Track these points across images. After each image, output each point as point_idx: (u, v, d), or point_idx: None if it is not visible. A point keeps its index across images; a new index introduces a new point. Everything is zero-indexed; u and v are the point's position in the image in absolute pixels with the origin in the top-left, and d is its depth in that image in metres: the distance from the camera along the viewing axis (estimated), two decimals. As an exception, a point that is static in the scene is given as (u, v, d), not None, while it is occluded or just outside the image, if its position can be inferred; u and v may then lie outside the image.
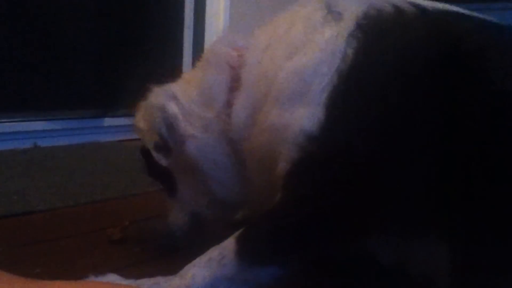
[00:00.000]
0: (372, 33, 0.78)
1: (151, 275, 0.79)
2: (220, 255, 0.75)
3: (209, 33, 2.60)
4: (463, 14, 0.81)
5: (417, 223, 0.75)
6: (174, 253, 0.96)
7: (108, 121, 2.23)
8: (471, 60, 0.73)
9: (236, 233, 0.77)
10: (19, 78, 2.00)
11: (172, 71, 2.46)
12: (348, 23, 0.80)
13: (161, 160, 0.95)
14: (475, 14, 0.81)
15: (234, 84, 0.90)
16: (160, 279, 0.77)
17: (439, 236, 0.73)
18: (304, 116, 0.76)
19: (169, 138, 0.94)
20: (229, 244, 0.75)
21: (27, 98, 2.05)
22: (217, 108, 0.91)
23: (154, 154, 0.95)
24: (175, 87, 0.98)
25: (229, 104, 0.90)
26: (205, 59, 0.97)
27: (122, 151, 2.01)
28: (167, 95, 0.96)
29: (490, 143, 0.70)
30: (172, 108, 0.94)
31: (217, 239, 0.78)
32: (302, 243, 0.75)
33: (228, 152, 0.92)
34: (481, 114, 0.70)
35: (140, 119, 0.99)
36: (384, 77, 0.75)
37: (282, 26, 0.88)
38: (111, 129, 2.22)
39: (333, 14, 0.83)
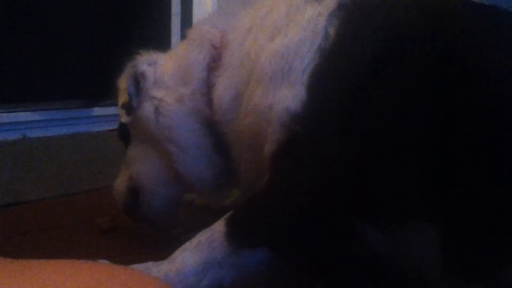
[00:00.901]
0: (354, 12, 0.78)
1: (141, 263, 0.80)
2: (210, 239, 0.75)
3: (197, 9, 2.58)
4: None
5: (407, 207, 0.75)
6: (163, 241, 0.97)
7: (97, 111, 2.22)
8: (458, 39, 0.73)
9: (225, 216, 0.77)
10: (7, 69, 1.98)
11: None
12: (329, 3, 0.80)
13: (122, 116, 0.97)
14: None
15: (215, 63, 0.90)
16: (150, 265, 0.77)
17: (431, 224, 0.73)
18: (288, 96, 0.76)
19: (134, 96, 0.96)
20: (218, 227, 0.76)
21: (15, 89, 2.03)
22: (193, 85, 0.91)
23: (119, 110, 0.98)
24: (159, 55, 1.00)
25: (208, 83, 0.90)
26: (189, 37, 0.97)
27: (112, 140, 2.00)
28: (147, 60, 0.98)
29: (479, 126, 0.70)
30: (145, 68, 0.96)
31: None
32: (291, 224, 0.75)
33: (201, 131, 0.92)
34: (467, 93, 0.70)
35: (122, 80, 1.01)
36: (367, 55, 0.75)
37: (264, 8, 0.88)
38: (101, 119, 2.21)
39: None
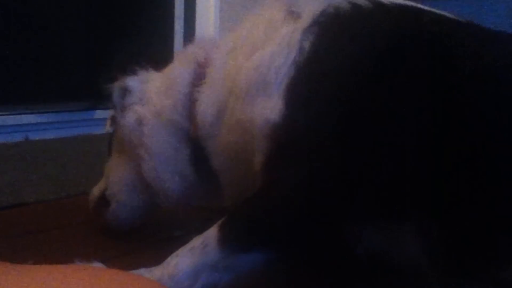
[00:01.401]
0: (329, 27, 0.81)
1: (142, 265, 0.80)
2: (203, 243, 0.75)
3: (200, 25, 2.59)
4: (420, 8, 0.83)
5: (402, 207, 0.75)
6: (163, 244, 0.97)
7: (99, 114, 2.22)
8: (429, 51, 0.76)
9: (219, 221, 0.78)
10: (9, 71, 1.99)
11: (163, 63, 2.45)
12: (305, 21, 0.83)
13: (106, 124, 1.04)
14: (431, 9, 0.84)
15: (198, 80, 0.93)
16: (142, 271, 0.78)
17: (430, 223, 0.74)
18: (266, 108, 0.79)
19: (118, 107, 1.01)
20: (211, 232, 0.76)
21: (18, 92, 2.04)
22: (175, 98, 0.94)
23: (108, 121, 1.05)
24: (151, 76, 1.03)
25: (190, 98, 0.93)
26: (176, 58, 1.02)
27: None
28: (140, 78, 1.02)
29: (465, 126, 0.71)
30: (132, 83, 1.00)
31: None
32: (283, 228, 0.76)
33: (174, 143, 0.95)
34: (439, 100, 0.72)
35: (113, 93, 1.04)
36: (340, 66, 0.78)
37: (245, 29, 0.92)
38: (102, 121, 2.20)
39: (292, 14, 0.86)
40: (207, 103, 0.90)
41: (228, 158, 0.88)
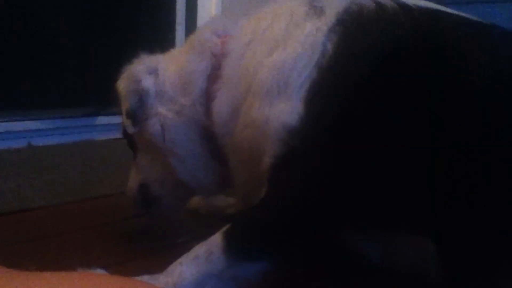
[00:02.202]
0: (353, 28, 0.79)
1: (145, 271, 0.80)
2: (207, 252, 0.75)
3: (202, 19, 2.59)
4: (444, 11, 0.82)
5: (402, 217, 0.75)
6: (166, 251, 0.97)
7: (101, 120, 2.23)
8: (451, 56, 0.74)
9: (223, 229, 0.77)
10: (12, 78, 1.99)
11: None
12: (329, 18, 0.80)
13: (128, 127, 0.98)
14: (456, 12, 0.82)
15: (214, 73, 0.91)
16: (145, 278, 0.77)
17: (426, 232, 0.74)
18: (285, 111, 0.77)
19: (138, 110, 0.97)
20: (216, 240, 0.76)
21: (21, 98, 2.04)
22: (193, 96, 0.92)
23: (124, 119, 0.99)
24: (158, 62, 1.00)
25: (207, 94, 0.91)
26: (190, 42, 0.98)
27: (116, 149, 2.01)
28: (148, 68, 0.98)
29: (473, 137, 0.70)
30: (147, 83, 0.96)
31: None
32: (289, 236, 0.75)
33: (200, 142, 0.94)
34: (460, 108, 0.71)
35: (121, 83, 1.01)
36: (364, 72, 0.76)
37: (265, 21, 0.88)
38: (105, 127, 2.22)
39: (315, 9, 0.83)
40: (222, 101, 0.88)
41: (241, 157, 0.86)
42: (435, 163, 0.71)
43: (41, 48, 2.08)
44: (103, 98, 2.26)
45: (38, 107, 2.08)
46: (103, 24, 2.27)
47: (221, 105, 0.88)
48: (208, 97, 0.91)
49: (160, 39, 2.52)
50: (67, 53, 2.16)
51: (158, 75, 0.97)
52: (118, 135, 2.17)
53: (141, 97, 0.96)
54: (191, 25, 2.61)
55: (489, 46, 0.76)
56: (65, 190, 1.38)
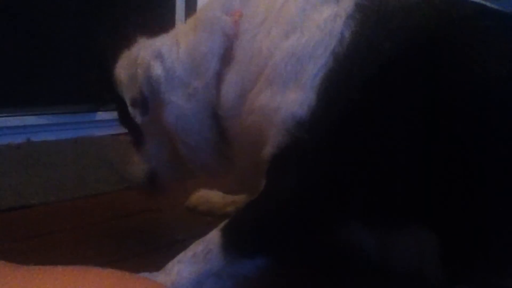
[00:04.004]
0: (372, 16, 0.76)
1: (144, 269, 0.80)
2: (205, 250, 0.74)
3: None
4: (465, 0, 0.79)
5: (401, 212, 0.75)
6: (164, 248, 0.97)
7: (101, 115, 2.23)
8: (470, 46, 0.71)
9: (221, 226, 0.76)
10: (10, 73, 1.99)
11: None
12: (347, 3, 0.77)
13: (136, 117, 0.93)
14: (478, 1, 0.79)
15: (227, 54, 0.86)
16: (144, 276, 0.75)
17: (425, 226, 0.74)
18: (296, 101, 0.74)
19: (150, 98, 0.92)
20: (213, 238, 0.75)
21: (20, 94, 2.04)
22: (206, 78, 0.88)
23: (130, 109, 0.94)
24: (162, 45, 0.94)
25: (219, 76, 0.87)
26: (199, 20, 0.92)
27: (115, 145, 2.01)
28: (154, 52, 0.93)
29: (480, 130, 0.69)
30: (157, 69, 0.91)
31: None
32: (288, 232, 0.74)
33: (212, 126, 0.90)
34: (477, 100, 0.69)
35: (121, 70, 0.97)
36: (382, 63, 0.73)
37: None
38: (104, 123, 2.21)
39: None
40: (232, 84, 0.84)
41: (244, 142, 0.84)
42: (443, 158, 0.70)
43: (41, 44, 2.07)
44: (102, 94, 2.28)
45: (38, 103, 2.08)
46: (102, 18, 2.26)
47: (229, 87, 0.85)
48: (219, 79, 0.87)
49: (159, 30, 2.51)
50: (67, 49, 2.15)
51: (164, 59, 0.91)
52: (118, 131, 2.18)
53: (152, 85, 0.91)
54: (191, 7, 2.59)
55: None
56: (64, 187, 1.38)
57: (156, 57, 0.92)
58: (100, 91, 1.93)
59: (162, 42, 0.95)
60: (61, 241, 1.02)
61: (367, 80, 0.73)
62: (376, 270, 0.83)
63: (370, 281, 0.85)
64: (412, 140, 0.72)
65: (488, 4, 0.79)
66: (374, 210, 0.75)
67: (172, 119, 0.91)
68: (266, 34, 0.82)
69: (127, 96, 0.94)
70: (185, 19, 1.02)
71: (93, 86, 1.91)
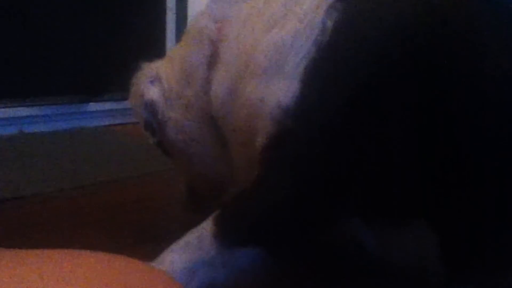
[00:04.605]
0: (354, 5, 0.75)
1: (139, 259, 0.79)
2: (198, 238, 0.74)
3: (192, 12, 2.57)
4: None
5: (400, 212, 0.75)
6: (158, 239, 0.97)
7: (93, 106, 2.22)
8: (458, 38, 0.69)
9: (214, 214, 0.76)
10: (2, 65, 1.98)
11: (156, 53, 2.44)
12: None
13: (149, 138, 0.98)
14: None
15: (213, 59, 0.88)
16: None
17: (425, 226, 0.73)
18: (280, 90, 0.74)
19: (152, 121, 0.96)
20: (206, 226, 0.75)
21: (11, 84, 2.03)
22: (196, 86, 0.90)
23: (143, 131, 0.98)
24: (159, 67, 0.98)
25: (208, 80, 0.89)
26: (188, 34, 0.96)
27: (109, 136, 2.01)
28: (149, 77, 0.97)
29: (479, 130, 0.68)
30: (151, 93, 0.95)
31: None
32: (280, 221, 0.74)
33: (209, 130, 0.92)
34: (464, 95, 0.68)
35: (131, 97, 1.01)
36: (364, 52, 0.72)
37: None
38: (97, 114, 2.21)
39: None
40: (219, 81, 0.86)
41: (239, 139, 0.84)
42: (436, 155, 0.69)
43: (32, 35, 2.06)
44: (95, 85, 2.27)
45: (30, 94, 2.07)
46: (93, 9, 2.25)
47: (218, 86, 0.86)
48: (208, 83, 0.89)
49: (150, 24, 2.50)
50: (58, 40, 2.14)
51: (161, 80, 0.96)
52: (111, 121, 2.18)
53: (150, 109, 0.96)
54: (181, 9, 2.59)
55: (504, 22, 0.71)
56: (57, 178, 1.38)
57: (152, 81, 0.97)
58: (93, 81, 1.93)
59: (159, 63, 0.99)
60: (54, 232, 1.02)
61: (354, 68, 0.72)
62: (376, 270, 0.83)
63: (369, 281, 0.85)
64: (405, 135, 0.70)
65: None
66: (373, 208, 0.75)
67: (174, 134, 0.95)
68: (250, 32, 0.83)
69: (140, 121, 0.99)
70: (176, 40, 1.05)
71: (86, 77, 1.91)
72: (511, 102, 0.68)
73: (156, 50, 2.47)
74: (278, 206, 0.74)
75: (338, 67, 0.73)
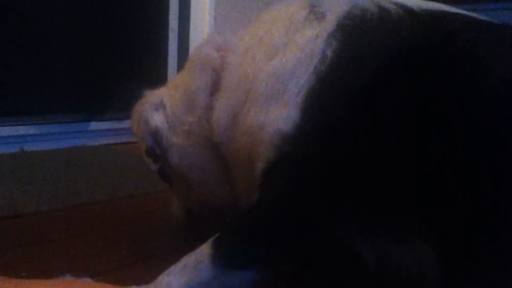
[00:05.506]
0: (354, 34, 0.76)
1: (136, 278, 0.80)
2: (196, 261, 0.75)
3: (194, 35, 2.60)
4: (451, 13, 0.78)
5: (398, 226, 0.75)
6: (155, 260, 0.97)
7: (94, 125, 2.23)
8: (456, 64, 0.71)
9: (212, 238, 0.77)
10: (4, 82, 2.00)
11: (157, 74, 2.47)
12: (329, 23, 0.78)
13: (150, 164, 1.00)
14: (465, 12, 0.78)
15: (215, 86, 0.90)
16: None
17: (424, 240, 0.73)
18: (280, 117, 0.76)
19: (156, 147, 0.98)
20: (204, 249, 0.75)
21: (14, 103, 2.05)
22: (198, 112, 0.92)
23: (145, 158, 1.00)
24: (163, 94, 1.00)
25: (209, 107, 0.90)
26: (191, 62, 0.98)
27: (109, 155, 2.02)
28: (154, 104, 0.99)
29: (474, 143, 0.68)
30: (156, 120, 0.97)
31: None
32: (278, 245, 0.75)
33: (211, 156, 0.93)
34: (464, 115, 0.69)
35: (134, 124, 1.03)
36: (363, 80, 0.73)
37: (263, 26, 0.87)
38: (98, 133, 2.22)
39: (316, 13, 0.81)
40: (221, 109, 0.87)
41: (241, 165, 0.85)
42: (432, 172, 0.70)
43: (34, 53, 2.08)
44: (96, 104, 2.28)
45: (31, 112, 2.08)
46: (96, 30, 2.28)
47: (219, 113, 0.88)
48: (209, 110, 0.91)
49: (153, 45, 2.53)
50: (60, 58, 2.16)
51: (165, 107, 0.98)
52: (111, 141, 2.19)
53: (154, 136, 0.98)
54: (183, 31, 2.62)
55: (502, 49, 0.72)
56: (57, 196, 1.38)
57: (156, 109, 0.99)
58: (94, 101, 1.94)
59: (163, 90, 1.01)
60: (54, 251, 1.02)
61: (352, 96, 0.74)
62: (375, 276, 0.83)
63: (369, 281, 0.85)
64: (401, 155, 0.71)
65: (477, 16, 0.78)
66: (371, 223, 0.75)
67: (177, 160, 0.97)
68: (251, 60, 0.85)
69: (142, 147, 1.01)
70: (177, 59, 1.08)
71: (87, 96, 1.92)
72: (506, 103, 0.69)
73: (158, 70, 2.50)
74: (275, 228, 0.75)
75: (337, 96, 0.74)
